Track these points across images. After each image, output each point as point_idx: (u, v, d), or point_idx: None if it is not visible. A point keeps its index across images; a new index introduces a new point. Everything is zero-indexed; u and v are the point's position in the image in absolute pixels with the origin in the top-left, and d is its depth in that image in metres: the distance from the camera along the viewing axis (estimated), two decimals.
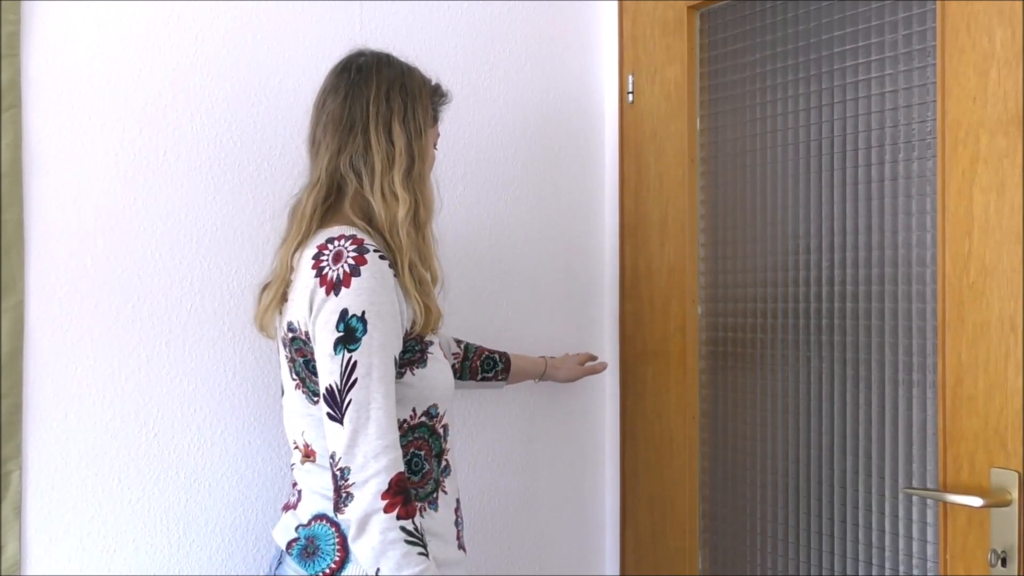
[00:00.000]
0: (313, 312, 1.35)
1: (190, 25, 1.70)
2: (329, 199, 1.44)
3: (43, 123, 1.57)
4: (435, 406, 1.46)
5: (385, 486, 1.30)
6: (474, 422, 2.00)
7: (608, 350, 2.17)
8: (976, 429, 1.47)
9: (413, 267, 1.41)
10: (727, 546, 1.93)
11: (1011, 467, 1.43)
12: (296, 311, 1.38)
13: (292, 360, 1.43)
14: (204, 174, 1.70)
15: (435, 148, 1.58)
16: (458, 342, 1.83)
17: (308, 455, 1.45)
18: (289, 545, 1.44)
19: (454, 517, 1.49)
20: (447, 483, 1.48)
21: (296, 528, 1.44)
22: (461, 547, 1.50)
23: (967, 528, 1.48)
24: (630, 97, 2.11)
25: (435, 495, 1.45)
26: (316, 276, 1.34)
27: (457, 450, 1.96)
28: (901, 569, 1.60)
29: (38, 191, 1.57)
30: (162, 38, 1.67)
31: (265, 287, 1.50)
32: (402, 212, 1.41)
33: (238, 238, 1.72)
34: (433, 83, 1.55)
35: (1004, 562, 1.43)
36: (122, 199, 1.63)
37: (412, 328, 1.40)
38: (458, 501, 1.51)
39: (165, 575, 1.66)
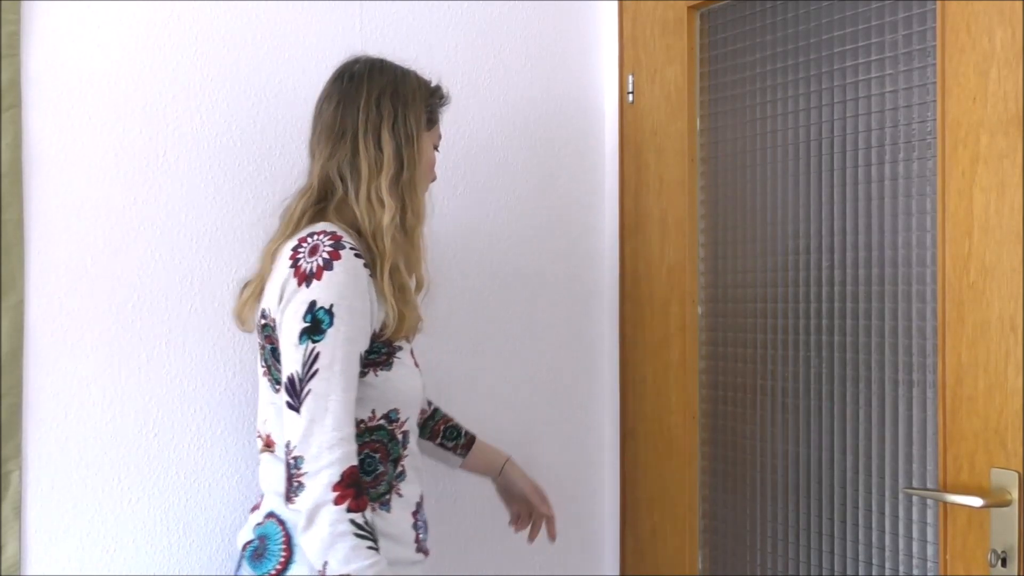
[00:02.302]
0: (283, 301, 1.36)
1: (190, 25, 1.70)
2: (319, 204, 1.45)
3: (43, 123, 1.57)
4: (396, 411, 1.45)
5: (337, 478, 1.29)
6: (474, 422, 2.00)
7: (608, 350, 2.17)
8: (976, 429, 1.47)
9: (395, 272, 1.42)
10: (727, 546, 1.93)
11: (1011, 467, 1.43)
12: (269, 298, 1.41)
13: (262, 347, 1.45)
14: (204, 174, 1.70)
15: (437, 150, 1.58)
16: (429, 403, 1.78)
17: (268, 445, 1.45)
18: (245, 546, 1.45)
19: (412, 520, 1.48)
20: (403, 487, 1.46)
21: (254, 528, 1.45)
22: (421, 550, 1.50)
23: (967, 528, 1.48)
24: (630, 97, 2.11)
25: (387, 496, 1.44)
26: (291, 267, 1.36)
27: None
28: (901, 569, 1.60)
29: (38, 191, 1.57)
30: (162, 38, 1.67)
31: (246, 284, 1.53)
32: (387, 218, 1.42)
33: (238, 238, 1.72)
34: (433, 85, 1.55)
35: (1004, 562, 1.43)
36: (122, 199, 1.64)
37: (382, 331, 1.40)
38: (418, 505, 1.50)
39: (165, 575, 1.66)
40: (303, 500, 1.30)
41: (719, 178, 1.96)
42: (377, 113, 1.46)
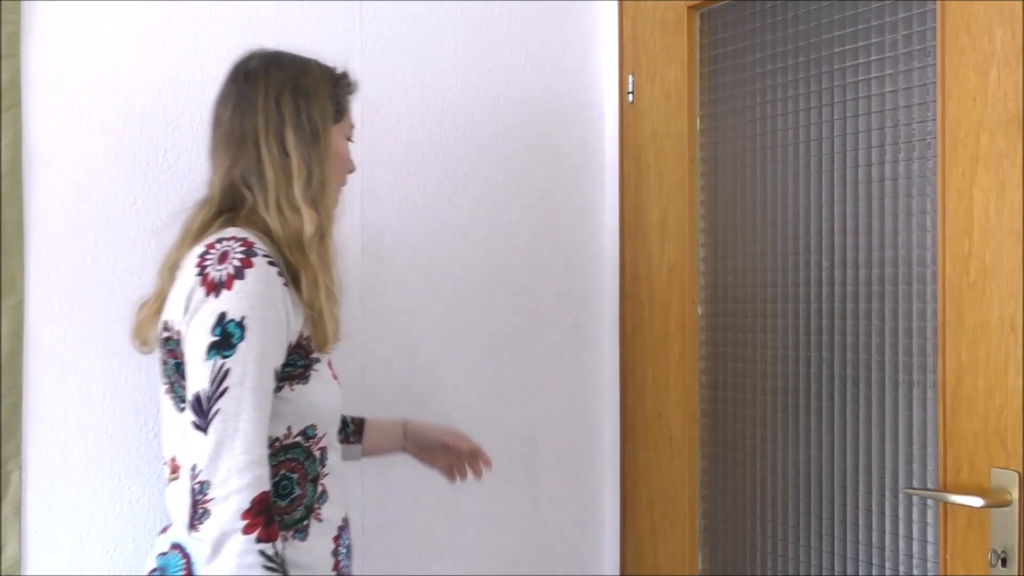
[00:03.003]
0: (189, 312, 1.26)
1: (190, 25, 1.70)
2: (221, 215, 1.35)
3: (43, 123, 1.57)
4: (313, 426, 1.35)
5: (247, 505, 1.20)
6: (473, 422, 2.00)
7: (608, 350, 2.17)
8: (976, 429, 1.47)
9: (317, 283, 1.32)
10: (727, 546, 1.93)
11: (1011, 467, 1.43)
12: (172, 309, 1.30)
13: (164, 362, 1.35)
14: (204, 174, 1.69)
15: (350, 140, 1.50)
16: None
17: (174, 470, 1.34)
18: (151, 573, 1.36)
19: (332, 546, 1.38)
20: (324, 510, 1.37)
21: (157, 556, 1.36)
22: None
23: (967, 528, 1.48)
24: (630, 97, 2.11)
25: (305, 523, 1.34)
26: (198, 275, 1.26)
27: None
28: (901, 569, 1.60)
29: (38, 191, 1.57)
30: (162, 38, 1.67)
31: (144, 303, 1.42)
32: (308, 228, 1.33)
33: None
34: (338, 72, 1.45)
35: (1004, 562, 1.43)
36: (122, 199, 1.64)
37: (307, 344, 1.32)
38: (341, 529, 1.39)
39: None
40: (209, 528, 1.20)
41: (719, 178, 1.96)
42: (278, 113, 1.35)
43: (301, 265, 1.31)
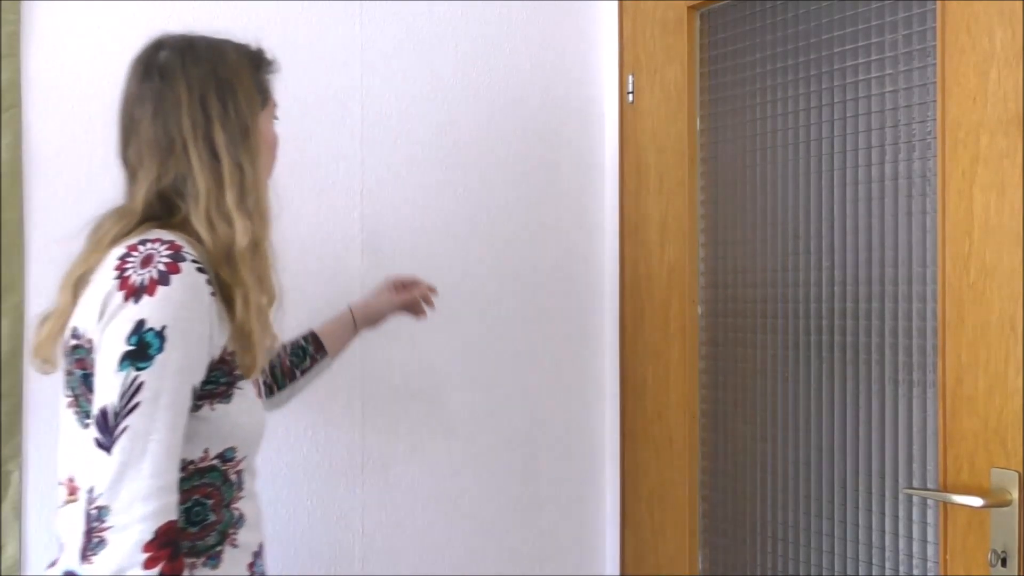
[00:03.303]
0: (105, 317, 1.13)
1: (190, 25, 1.69)
2: (141, 226, 1.22)
3: (43, 123, 1.57)
4: (233, 449, 1.24)
5: (149, 535, 1.07)
6: (473, 423, 2.00)
7: (608, 350, 2.17)
8: (976, 429, 1.47)
9: (250, 299, 1.22)
10: (727, 546, 1.93)
11: (1011, 467, 1.43)
12: (84, 315, 1.17)
13: (69, 372, 1.21)
14: None
15: (277, 118, 1.40)
16: (271, 368, 1.60)
17: (71, 492, 1.21)
18: None
19: (247, 573, 1.26)
20: (240, 535, 1.25)
21: None
22: None
23: (967, 528, 1.48)
24: (630, 97, 2.11)
25: (219, 549, 1.22)
26: (117, 278, 1.14)
27: (458, 452, 1.97)
28: (901, 569, 1.60)
29: (38, 191, 1.57)
30: None
31: (45, 318, 1.27)
32: (242, 240, 1.21)
33: None
34: (256, 51, 1.35)
35: (1004, 562, 1.43)
36: (122, 199, 1.63)
37: (232, 359, 1.21)
38: (256, 555, 1.28)
39: None
40: (104, 561, 1.06)
41: (719, 178, 1.96)
42: (204, 114, 1.23)
43: (232, 281, 1.20)
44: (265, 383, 1.56)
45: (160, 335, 1.11)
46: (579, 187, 2.15)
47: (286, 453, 1.77)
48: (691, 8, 1.97)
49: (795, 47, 1.79)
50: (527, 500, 2.07)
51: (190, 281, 1.14)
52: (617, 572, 2.15)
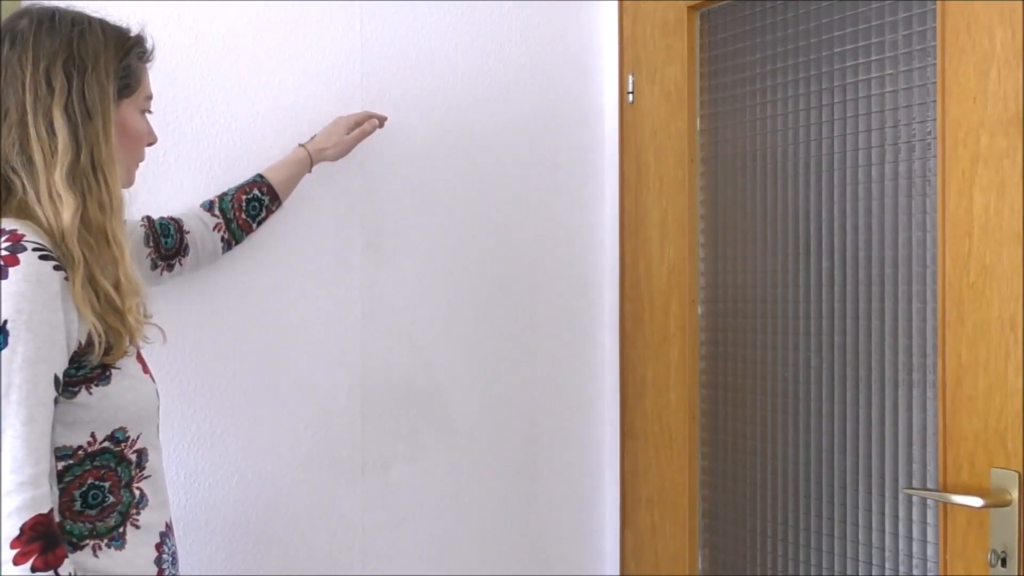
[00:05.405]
0: None
1: (190, 25, 1.70)
2: None
3: None
4: (123, 429, 1.23)
5: (15, 532, 1.07)
6: (473, 423, 2.00)
7: (608, 350, 2.17)
8: (976, 429, 1.47)
9: (91, 280, 1.18)
10: (727, 546, 1.93)
11: (1011, 467, 1.43)
12: None
13: None
14: (204, 174, 1.70)
15: (149, 112, 1.36)
16: (209, 208, 1.63)
17: None
18: None
19: (155, 554, 1.27)
20: (142, 516, 1.26)
21: None
22: None
23: (967, 528, 1.48)
24: (630, 97, 2.11)
25: (121, 530, 1.23)
26: None
27: (458, 452, 1.97)
28: (901, 569, 1.60)
29: None
30: (162, 38, 1.66)
31: None
32: (67, 216, 1.17)
33: None
34: (130, 36, 1.30)
35: (1004, 562, 1.43)
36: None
37: (92, 350, 1.18)
38: (163, 535, 1.29)
39: None
40: None
41: (719, 178, 1.96)
42: (47, 88, 1.19)
43: (66, 262, 1.17)
44: (223, 239, 1.65)
45: (3, 330, 1.10)
46: (579, 187, 2.15)
47: (286, 453, 1.77)
48: (691, 8, 1.97)
49: (795, 47, 1.79)
50: (527, 500, 2.07)
51: (30, 271, 1.12)
52: (617, 572, 2.15)
